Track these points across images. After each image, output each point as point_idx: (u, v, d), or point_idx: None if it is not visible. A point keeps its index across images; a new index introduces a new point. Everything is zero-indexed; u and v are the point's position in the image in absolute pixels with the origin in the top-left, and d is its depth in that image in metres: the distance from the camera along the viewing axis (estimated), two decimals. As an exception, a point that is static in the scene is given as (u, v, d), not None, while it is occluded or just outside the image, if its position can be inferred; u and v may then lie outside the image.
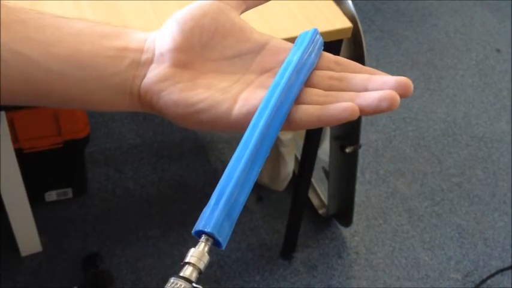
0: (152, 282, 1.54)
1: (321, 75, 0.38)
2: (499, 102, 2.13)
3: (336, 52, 1.16)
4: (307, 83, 0.38)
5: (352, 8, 1.14)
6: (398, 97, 0.34)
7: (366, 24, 2.38)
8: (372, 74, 0.37)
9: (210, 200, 0.33)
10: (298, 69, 0.37)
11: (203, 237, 0.32)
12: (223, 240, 0.32)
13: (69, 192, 1.67)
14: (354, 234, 1.72)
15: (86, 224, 1.65)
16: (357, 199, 1.72)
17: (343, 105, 0.34)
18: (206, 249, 0.32)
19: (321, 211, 1.72)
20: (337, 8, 1.13)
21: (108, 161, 1.82)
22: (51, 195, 1.66)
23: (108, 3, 1.09)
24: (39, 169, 1.59)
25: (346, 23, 1.11)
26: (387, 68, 2.22)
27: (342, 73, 0.38)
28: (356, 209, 1.70)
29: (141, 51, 0.38)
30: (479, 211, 1.79)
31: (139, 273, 1.55)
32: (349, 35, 1.12)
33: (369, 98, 0.35)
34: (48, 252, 1.57)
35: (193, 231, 0.33)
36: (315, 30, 0.41)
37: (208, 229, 0.32)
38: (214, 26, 0.37)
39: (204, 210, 0.33)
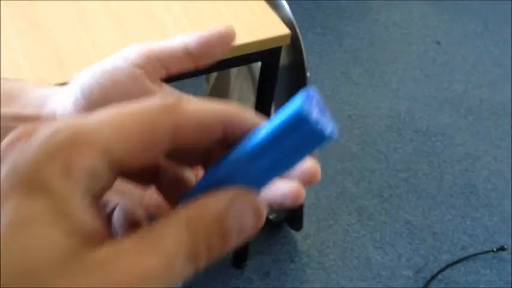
0: None
1: None
2: (440, 95, 2.16)
3: (276, 59, 1.13)
4: None
5: (289, 14, 1.12)
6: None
7: (307, 21, 2.37)
8: None
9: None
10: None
11: None
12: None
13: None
14: (305, 237, 1.70)
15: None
16: (307, 201, 1.70)
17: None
18: None
19: (271, 216, 1.69)
20: (274, 15, 1.10)
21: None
22: None
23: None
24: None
25: (284, 30, 1.08)
26: (330, 65, 2.21)
27: None
28: (306, 211, 1.69)
29: (37, 118, 0.32)
30: (426, 205, 1.81)
31: None
32: (288, 41, 1.09)
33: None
34: None
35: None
36: (300, 110, 0.25)
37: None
38: (123, 96, 0.32)
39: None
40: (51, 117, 0.32)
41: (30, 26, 1.03)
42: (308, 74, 1.21)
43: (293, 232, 1.70)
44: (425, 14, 2.50)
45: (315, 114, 0.24)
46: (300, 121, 0.25)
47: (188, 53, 0.32)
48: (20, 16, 1.05)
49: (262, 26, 1.07)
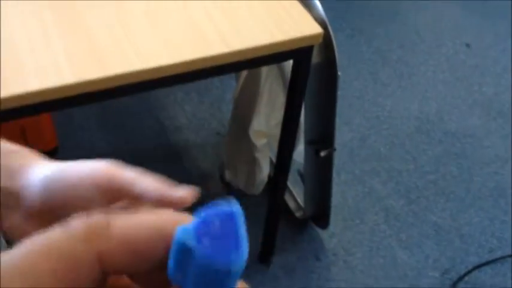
0: None
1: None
2: (470, 97, 2.15)
3: (307, 58, 1.15)
4: None
5: (322, 13, 1.13)
6: None
7: (337, 23, 2.37)
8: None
9: None
10: None
11: None
12: None
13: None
14: (331, 236, 1.71)
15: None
16: (334, 200, 1.71)
17: None
18: None
19: (297, 214, 1.71)
20: (307, 14, 1.11)
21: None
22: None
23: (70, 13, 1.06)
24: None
25: (317, 29, 1.09)
26: (359, 66, 2.22)
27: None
28: (333, 210, 1.69)
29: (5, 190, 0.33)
30: (454, 208, 1.80)
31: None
32: (320, 40, 1.11)
33: None
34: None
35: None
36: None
37: None
38: (79, 206, 0.31)
39: None
40: (18, 193, 0.33)
41: (70, 23, 1.07)
42: (339, 73, 1.22)
43: (319, 230, 1.71)
44: (455, 16, 2.49)
45: (206, 241, 0.22)
46: (184, 251, 0.23)
47: (143, 198, 0.31)
48: (61, 14, 1.08)
49: (294, 24, 1.09)
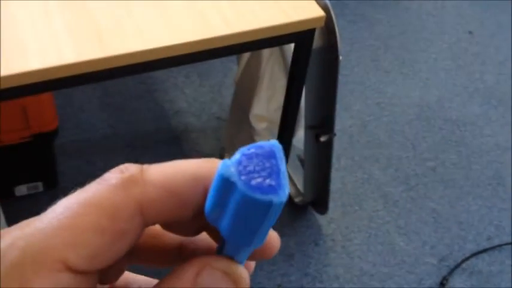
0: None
1: None
2: (471, 85, 2.14)
3: (309, 41, 1.15)
4: None
5: (324, -4, 1.12)
6: None
7: (339, 8, 2.36)
8: None
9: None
10: None
11: None
12: None
13: (39, 185, 1.63)
14: (330, 222, 1.72)
15: (58, 218, 1.61)
16: (333, 186, 1.71)
17: None
18: None
19: (296, 199, 1.71)
20: (309, -3, 1.11)
21: (79, 152, 1.78)
22: (21, 190, 1.62)
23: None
24: (8, 163, 1.54)
25: (319, 12, 1.09)
26: (361, 52, 2.21)
27: None
28: (332, 196, 1.70)
29: None
30: (453, 195, 1.80)
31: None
32: (322, 23, 1.10)
33: None
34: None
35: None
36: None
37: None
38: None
39: None
40: None
41: (72, 3, 1.06)
42: (340, 57, 1.22)
43: (318, 216, 1.71)
44: (459, 4, 2.47)
45: (249, 175, 0.22)
46: (227, 184, 0.22)
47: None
48: (62, -8, 1.07)
49: (297, 7, 1.08)
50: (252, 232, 0.23)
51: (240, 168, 0.22)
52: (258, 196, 0.21)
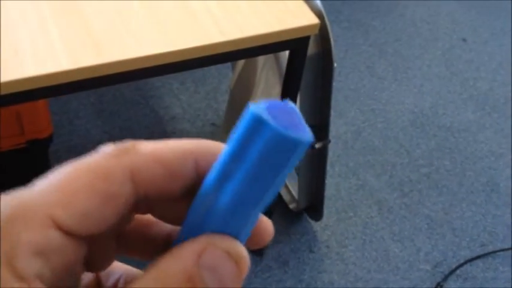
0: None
1: None
2: (465, 92, 2.15)
3: (304, 48, 1.15)
4: None
5: (319, 4, 1.13)
6: None
7: (333, 15, 2.37)
8: None
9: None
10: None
11: None
12: None
13: (34, 192, 1.63)
14: (324, 228, 1.72)
15: (52, 225, 1.61)
16: (327, 192, 1.72)
17: None
18: None
19: (291, 206, 1.71)
20: (304, 4, 1.11)
21: (74, 159, 1.77)
22: (15, 196, 1.62)
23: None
24: (2, 170, 1.54)
25: (314, 19, 1.09)
26: (355, 59, 2.22)
27: None
28: (326, 202, 1.70)
29: None
30: (447, 201, 1.81)
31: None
32: (316, 31, 1.11)
33: None
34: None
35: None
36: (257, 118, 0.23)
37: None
38: None
39: None
40: None
41: (67, 10, 1.06)
42: (335, 64, 1.22)
43: (313, 222, 1.72)
44: (452, 11, 2.49)
45: (277, 119, 0.22)
46: (257, 124, 0.22)
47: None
48: (58, 0, 1.08)
49: (291, 14, 1.09)
50: (268, 183, 0.22)
51: (270, 110, 0.22)
52: (290, 133, 0.22)
